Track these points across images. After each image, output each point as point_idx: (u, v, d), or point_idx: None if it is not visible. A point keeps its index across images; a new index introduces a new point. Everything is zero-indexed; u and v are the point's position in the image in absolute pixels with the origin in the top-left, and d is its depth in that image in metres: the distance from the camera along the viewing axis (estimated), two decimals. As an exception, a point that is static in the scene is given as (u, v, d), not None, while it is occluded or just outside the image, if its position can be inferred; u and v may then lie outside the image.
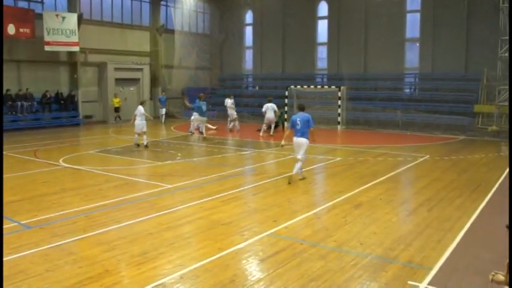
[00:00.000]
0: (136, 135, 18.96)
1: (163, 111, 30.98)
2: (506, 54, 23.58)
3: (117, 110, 30.88)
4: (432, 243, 7.77)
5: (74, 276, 6.39)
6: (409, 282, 6.23)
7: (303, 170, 13.12)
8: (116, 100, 30.74)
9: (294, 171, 12.72)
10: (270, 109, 23.15)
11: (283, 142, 13.04)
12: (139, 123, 18.60)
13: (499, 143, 20.85)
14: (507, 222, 8.58)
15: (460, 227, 8.66)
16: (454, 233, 8.31)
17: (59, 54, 28.57)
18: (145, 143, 18.66)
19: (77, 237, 8.05)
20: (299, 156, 12.71)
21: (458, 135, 23.23)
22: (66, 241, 7.83)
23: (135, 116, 18.68)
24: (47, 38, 26.60)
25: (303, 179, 12.86)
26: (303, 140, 12.65)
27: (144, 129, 18.67)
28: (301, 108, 13.27)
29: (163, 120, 30.35)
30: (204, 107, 21.41)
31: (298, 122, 12.65)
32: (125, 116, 31.23)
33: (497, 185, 12.35)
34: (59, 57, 28.76)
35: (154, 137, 22.62)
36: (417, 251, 7.38)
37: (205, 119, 21.87)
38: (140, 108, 18.75)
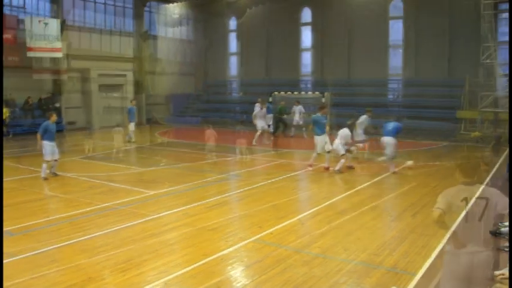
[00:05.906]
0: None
1: (133, 126, 22.54)
2: (488, 61, 23.93)
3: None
4: (416, 248, 7.83)
5: (57, 284, 6.32)
6: (393, 287, 6.27)
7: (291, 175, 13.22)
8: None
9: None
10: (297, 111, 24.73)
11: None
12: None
13: (482, 149, 21.07)
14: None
15: (443, 232, 8.71)
16: (438, 238, 8.36)
17: (42, 60, 28.28)
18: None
19: (61, 244, 7.97)
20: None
21: (442, 141, 23.45)
22: (49, 248, 7.74)
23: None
24: (29, 44, 26.33)
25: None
26: None
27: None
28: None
29: (132, 138, 22.29)
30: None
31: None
32: (108, 123, 31.10)
33: (479, 190, 12.47)
34: (42, 63, 28.47)
35: (138, 143, 22.51)
36: (401, 257, 7.42)
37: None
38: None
